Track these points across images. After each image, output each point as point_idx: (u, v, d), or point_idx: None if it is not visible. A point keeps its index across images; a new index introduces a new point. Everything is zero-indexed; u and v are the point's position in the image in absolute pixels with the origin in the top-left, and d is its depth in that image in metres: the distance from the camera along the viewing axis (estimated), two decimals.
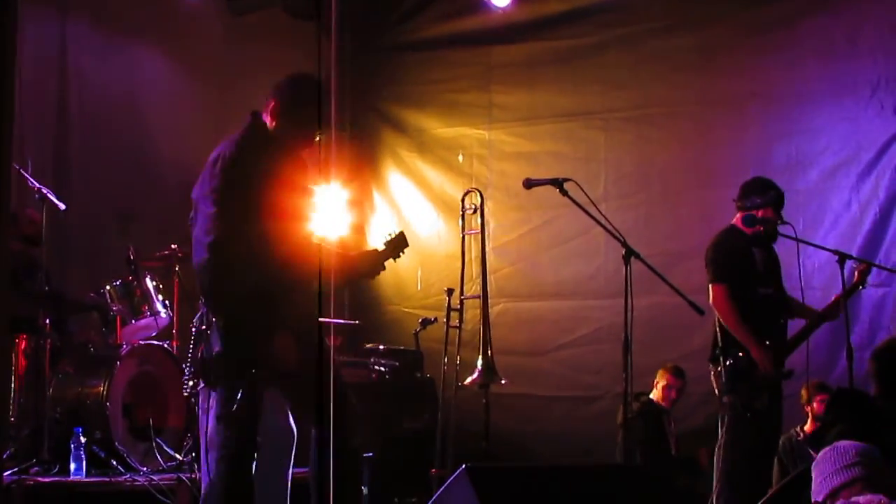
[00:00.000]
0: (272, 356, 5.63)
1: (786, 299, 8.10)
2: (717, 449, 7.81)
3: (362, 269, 6.20)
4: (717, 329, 7.77)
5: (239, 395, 5.57)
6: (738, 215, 8.04)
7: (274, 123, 5.92)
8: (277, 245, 5.64)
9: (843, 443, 4.65)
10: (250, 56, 11.32)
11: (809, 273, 9.11)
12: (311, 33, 12.36)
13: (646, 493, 6.12)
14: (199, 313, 5.85)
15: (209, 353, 5.67)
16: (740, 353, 7.68)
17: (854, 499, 4.32)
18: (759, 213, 7.91)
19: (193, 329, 5.88)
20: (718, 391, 7.80)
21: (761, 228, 7.91)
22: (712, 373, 7.88)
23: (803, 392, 9.09)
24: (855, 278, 8.03)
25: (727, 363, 7.71)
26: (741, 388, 7.68)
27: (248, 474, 5.73)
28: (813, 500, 4.53)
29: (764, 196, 7.94)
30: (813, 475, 4.71)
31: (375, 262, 6.14)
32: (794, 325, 8.08)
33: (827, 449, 4.71)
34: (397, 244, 6.17)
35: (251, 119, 5.96)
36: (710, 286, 7.83)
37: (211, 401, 5.71)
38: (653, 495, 6.20)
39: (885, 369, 5.10)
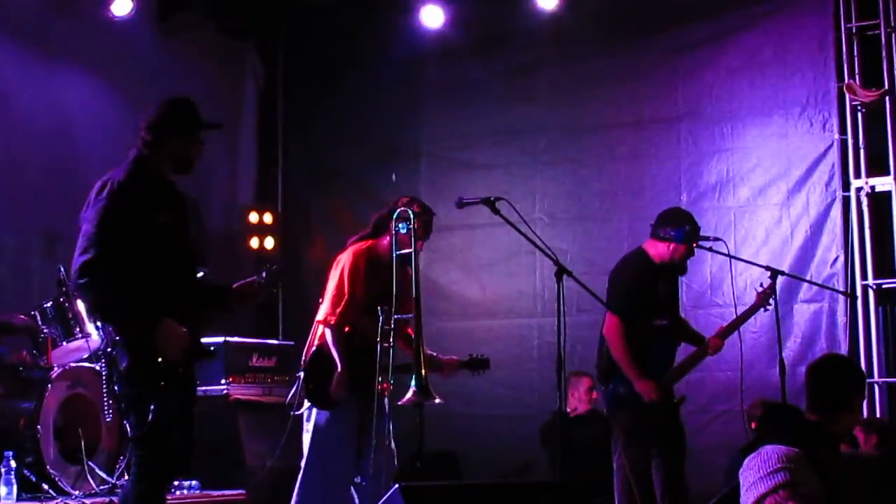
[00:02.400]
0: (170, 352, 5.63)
1: (678, 329, 8.16)
2: (615, 469, 7.90)
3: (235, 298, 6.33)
4: (605, 351, 7.81)
5: (151, 410, 5.59)
6: (649, 241, 8.01)
7: (150, 152, 5.99)
8: (159, 272, 5.73)
9: (767, 448, 4.68)
10: (183, 75, 11.24)
11: (741, 290, 9.15)
12: (243, 52, 12.50)
13: None
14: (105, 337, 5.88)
15: (119, 371, 5.69)
16: (619, 380, 7.76)
17: None
18: (670, 247, 7.92)
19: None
20: (606, 411, 7.89)
21: (669, 260, 7.93)
22: (603, 391, 8.00)
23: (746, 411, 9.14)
24: (756, 299, 8.05)
25: (610, 387, 7.78)
26: (623, 416, 7.78)
27: (161, 493, 5.80)
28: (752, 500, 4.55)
29: (678, 231, 7.89)
30: (740, 482, 4.73)
31: (251, 293, 6.28)
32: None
33: (752, 455, 4.74)
34: (277, 278, 6.43)
35: (136, 150, 6.01)
36: (607, 313, 7.82)
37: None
38: None
39: (819, 384, 5.11)
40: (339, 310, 7.04)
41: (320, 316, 7.14)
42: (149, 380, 5.61)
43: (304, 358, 7.24)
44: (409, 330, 7.05)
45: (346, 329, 7.05)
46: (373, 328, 6.73)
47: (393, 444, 7.01)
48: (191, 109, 6.09)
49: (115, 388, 6.02)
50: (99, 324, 5.87)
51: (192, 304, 5.88)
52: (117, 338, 5.63)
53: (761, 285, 8.02)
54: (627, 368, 7.70)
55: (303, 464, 7.24)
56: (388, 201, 7.40)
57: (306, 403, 7.21)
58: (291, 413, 7.34)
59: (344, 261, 7.18)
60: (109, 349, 5.76)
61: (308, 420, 7.23)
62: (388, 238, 7.04)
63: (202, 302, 6.05)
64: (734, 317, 8.12)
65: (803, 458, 4.62)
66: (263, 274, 6.36)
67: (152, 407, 5.59)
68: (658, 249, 7.93)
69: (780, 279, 8.17)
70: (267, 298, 6.35)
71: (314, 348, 7.18)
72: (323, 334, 7.15)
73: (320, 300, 7.24)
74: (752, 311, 8.03)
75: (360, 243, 7.22)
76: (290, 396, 7.35)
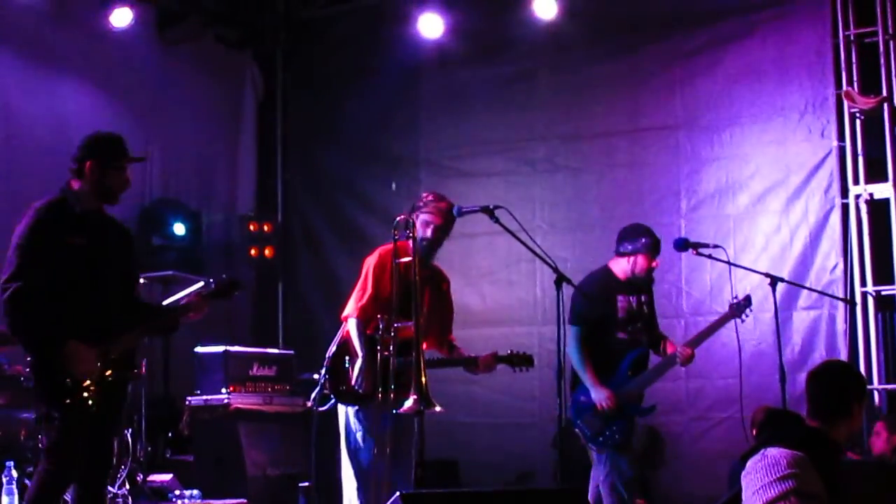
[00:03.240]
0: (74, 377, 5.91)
1: (651, 341, 8.28)
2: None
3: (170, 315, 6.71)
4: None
5: (56, 426, 5.90)
6: (613, 258, 8.22)
7: (75, 181, 6.35)
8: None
9: (772, 451, 4.68)
10: (182, 86, 11.28)
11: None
12: (242, 62, 12.53)
13: None
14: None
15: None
16: (580, 389, 7.95)
17: None
18: (630, 261, 8.08)
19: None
20: (570, 418, 8.00)
21: (633, 275, 8.13)
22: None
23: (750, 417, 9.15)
24: (728, 310, 8.16)
25: (573, 396, 7.94)
26: (586, 421, 7.93)
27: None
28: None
29: (634, 244, 8.13)
30: (743, 485, 4.73)
31: (192, 304, 6.54)
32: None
33: (756, 458, 4.74)
34: (226, 288, 6.69)
35: (64, 185, 6.37)
36: (568, 324, 7.94)
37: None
38: None
39: (820, 391, 5.12)
40: (360, 304, 7.12)
41: (345, 312, 7.22)
42: (54, 399, 5.92)
43: (327, 355, 7.25)
44: (451, 336, 7.29)
45: (370, 329, 7.07)
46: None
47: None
48: (111, 143, 6.42)
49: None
50: None
51: (110, 323, 6.14)
52: (27, 358, 6.01)
53: (735, 297, 8.14)
54: (584, 375, 7.92)
55: (342, 467, 7.20)
56: (385, 210, 7.43)
57: (332, 400, 7.23)
58: (317, 410, 7.34)
59: (370, 260, 7.27)
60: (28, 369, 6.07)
61: (339, 418, 7.26)
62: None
63: (134, 320, 6.32)
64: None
65: (808, 461, 4.63)
66: (212, 283, 6.72)
67: (57, 424, 5.91)
68: (620, 265, 8.19)
69: (779, 286, 8.20)
70: (207, 308, 6.54)
71: (336, 345, 7.22)
72: (346, 330, 7.20)
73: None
74: (723, 321, 8.24)
75: (388, 244, 7.23)
76: (312, 396, 7.36)
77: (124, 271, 6.39)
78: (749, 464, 4.75)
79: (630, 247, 8.14)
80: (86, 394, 5.91)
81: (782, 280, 8.37)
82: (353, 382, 7.05)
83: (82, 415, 5.91)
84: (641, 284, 8.24)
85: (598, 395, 7.87)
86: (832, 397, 5.08)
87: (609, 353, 8.02)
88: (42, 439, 6.16)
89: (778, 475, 4.58)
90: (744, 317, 8.17)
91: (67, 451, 5.91)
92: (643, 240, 8.12)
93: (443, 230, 7.26)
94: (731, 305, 8.17)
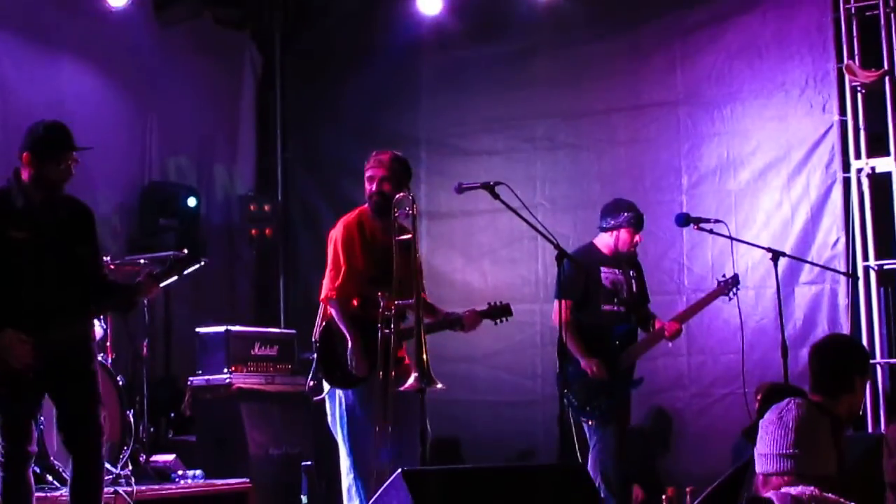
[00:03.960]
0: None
1: (633, 315, 8.43)
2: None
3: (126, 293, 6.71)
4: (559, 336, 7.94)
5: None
6: (598, 235, 8.42)
7: (21, 171, 6.37)
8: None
9: (787, 413, 4.69)
10: (180, 66, 11.25)
11: (742, 272, 9.13)
12: (240, 42, 12.50)
13: (581, 492, 6.13)
14: None
15: None
16: (567, 361, 7.93)
17: (786, 489, 4.36)
18: (613, 235, 8.25)
19: None
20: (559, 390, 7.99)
21: (616, 250, 8.31)
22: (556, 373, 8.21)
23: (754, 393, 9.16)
24: (716, 287, 8.27)
25: (559, 368, 7.91)
26: (573, 392, 8.04)
27: (20, 482, 6.25)
28: (760, 470, 4.60)
29: (616, 218, 8.32)
30: (760, 433, 4.74)
31: (147, 284, 6.56)
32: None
33: (773, 418, 4.74)
34: (175, 265, 6.62)
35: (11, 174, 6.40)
36: (555, 299, 8.16)
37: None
38: (588, 494, 6.21)
39: (822, 365, 5.12)
40: (337, 283, 6.99)
41: (322, 294, 7.09)
42: None
43: (313, 340, 7.19)
44: (424, 294, 6.94)
45: (355, 302, 7.01)
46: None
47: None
48: (50, 134, 6.39)
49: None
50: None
51: (50, 313, 6.21)
52: None
53: (724, 275, 8.20)
54: (573, 346, 7.99)
55: (341, 451, 7.10)
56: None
57: (326, 387, 7.13)
58: (314, 400, 7.31)
59: (335, 234, 7.15)
60: None
61: (332, 403, 7.12)
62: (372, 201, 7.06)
63: (91, 303, 6.45)
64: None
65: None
66: (170, 256, 6.91)
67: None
68: (604, 241, 8.39)
69: (781, 261, 8.21)
70: (157, 289, 6.62)
71: (321, 327, 7.13)
72: (328, 312, 7.09)
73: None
74: (711, 298, 8.49)
75: (348, 214, 7.19)
76: (308, 382, 7.33)
77: (81, 254, 6.43)
78: (769, 415, 4.77)
79: (612, 221, 8.29)
80: (25, 381, 6.13)
81: (784, 255, 8.40)
82: (348, 366, 6.96)
83: (21, 402, 6.19)
84: (627, 260, 8.30)
85: (587, 363, 7.98)
86: (835, 372, 5.08)
87: (596, 326, 8.14)
88: None
89: (784, 451, 4.60)
90: (731, 294, 8.28)
91: (16, 433, 6.15)
92: (625, 214, 8.25)
93: (388, 180, 7.11)
94: (718, 283, 8.31)
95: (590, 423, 8.09)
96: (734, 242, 8.49)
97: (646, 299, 8.59)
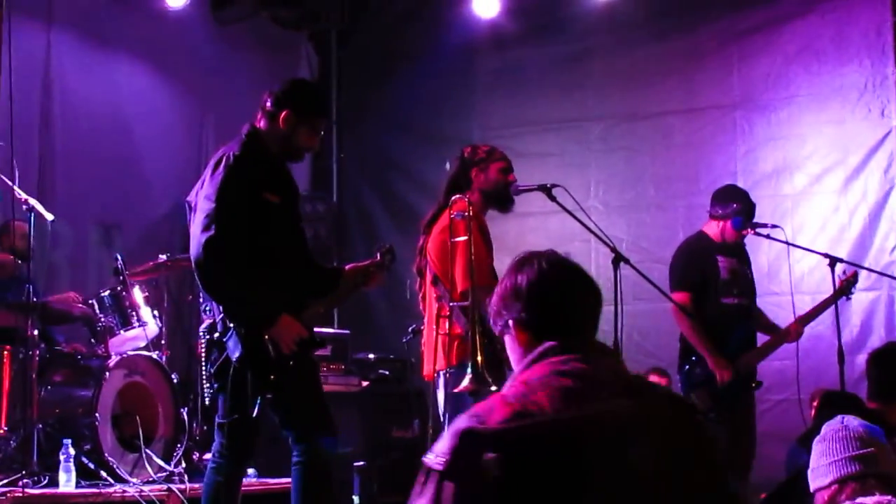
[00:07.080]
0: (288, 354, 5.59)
1: (753, 309, 8.16)
2: None
3: (354, 280, 6.21)
4: (681, 333, 7.81)
5: (256, 404, 5.65)
6: (708, 222, 8.14)
7: (265, 126, 5.86)
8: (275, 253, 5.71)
9: (853, 423, 4.57)
10: (236, 66, 11.29)
11: (798, 278, 9.09)
12: (297, 42, 12.53)
13: None
14: (208, 321, 5.88)
15: (228, 359, 5.65)
16: (695, 360, 7.77)
17: (860, 500, 4.28)
18: (720, 225, 8.00)
19: (204, 336, 5.89)
20: (682, 392, 7.86)
21: (723, 239, 8.03)
22: (679, 372, 8.00)
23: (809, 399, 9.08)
24: (839, 285, 8.05)
25: (685, 369, 7.76)
26: (699, 395, 7.75)
27: (233, 489, 5.90)
28: (815, 485, 4.49)
29: (725, 209, 8.05)
30: (815, 451, 4.65)
31: (368, 274, 6.19)
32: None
33: (837, 426, 4.64)
34: (386, 258, 6.27)
35: (250, 128, 5.88)
36: (672, 293, 7.85)
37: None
38: None
39: (880, 373, 5.09)
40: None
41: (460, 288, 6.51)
42: (260, 373, 5.60)
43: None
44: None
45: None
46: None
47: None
48: (318, 96, 6.01)
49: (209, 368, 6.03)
50: (210, 306, 5.87)
51: (304, 291, 5.84)
52: (230, 325, 5.57)
53: (844, 272, 8.05)
54: (698, 343, 7.74)
55: None
56: (439, 191, 7.17)
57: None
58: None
59: (448, 237, 6.54)
60: (217, 332, 5.68)
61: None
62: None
63: (317, 288, 6.02)
64: (807, 306, 8.15)
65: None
66: (377, 255, 6.26)
67: (258, 400, 5.63)
68: (713, 228, 8.11)
69: (838, 267, 8.15)
70: (384, 282, 6.27)
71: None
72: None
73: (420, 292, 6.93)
74: (834, 298, 8.06)
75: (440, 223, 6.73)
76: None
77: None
78: (826, 429, 4.69)
79: (720, 211, 8.04)
80: (287, 368, 5.63)
81: (841, 260, 8.30)
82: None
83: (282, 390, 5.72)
84: (737, 249, 8.14)
85: (717, 365, 7.70)
86: (893, 379, 5.04)
87: (717, 321, 7.85)
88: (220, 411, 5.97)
89: (854, 453, 4.51)
90: (850, 294, 8.10)
91: (253, 426, 5.87)
92: (734, 205, 8.01)
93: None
94: (841, 281, 8.03)
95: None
96: (790, 247, 8.43)
97: (755, 292, 8.33)
